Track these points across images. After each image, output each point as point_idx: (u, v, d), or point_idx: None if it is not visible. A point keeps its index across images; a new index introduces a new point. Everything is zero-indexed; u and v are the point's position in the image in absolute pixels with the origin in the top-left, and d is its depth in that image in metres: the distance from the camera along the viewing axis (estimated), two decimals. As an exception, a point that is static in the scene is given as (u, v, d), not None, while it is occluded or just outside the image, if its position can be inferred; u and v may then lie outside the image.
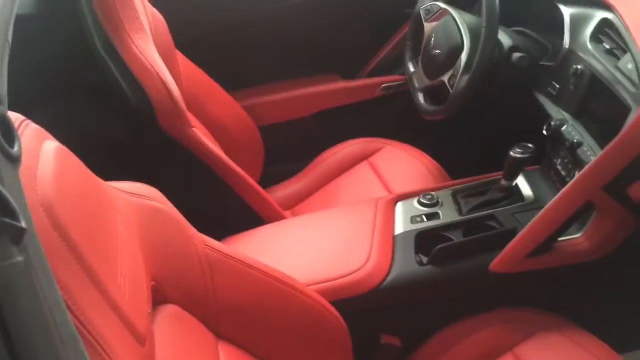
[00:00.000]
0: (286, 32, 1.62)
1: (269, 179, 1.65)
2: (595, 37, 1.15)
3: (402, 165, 1.54)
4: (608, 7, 1.13)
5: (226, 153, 1.37)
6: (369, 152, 1.62)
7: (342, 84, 1.71)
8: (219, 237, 1.09)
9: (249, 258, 0.83)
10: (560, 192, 0.99)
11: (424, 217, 1.15)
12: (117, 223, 0.55)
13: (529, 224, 1.01)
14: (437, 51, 1.32)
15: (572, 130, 1.14)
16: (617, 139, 0.93)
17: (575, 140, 1.10)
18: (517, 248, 1.02)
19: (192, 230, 0.77)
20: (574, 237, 1.06)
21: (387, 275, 1.02)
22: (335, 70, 1.73)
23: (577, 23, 1.19)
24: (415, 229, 1.12)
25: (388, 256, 1.05)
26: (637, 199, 0.98)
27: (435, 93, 1.37)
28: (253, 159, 1.60)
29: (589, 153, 1.08)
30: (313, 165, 1.66)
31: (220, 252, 0.80)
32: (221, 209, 1.19)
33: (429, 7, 1.39)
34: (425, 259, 1.05)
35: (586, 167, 0.97)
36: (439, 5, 1.37)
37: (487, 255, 1.05)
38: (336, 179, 1.61)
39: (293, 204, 1.63)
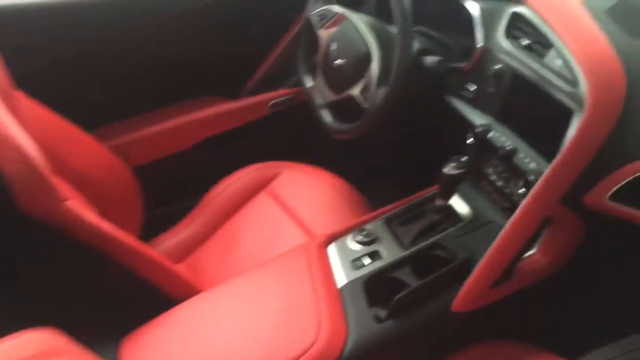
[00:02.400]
0: (150, 54, 1.36)
1: (153, 227, 1.39)
2: (510, 33, 1.06)
3: (308, 191, 1.37)
4: (515, -1, 1.04)
5: (98, 211, 1.09)
6: (267, 180, 1.42)
7: (225, 106, 1.48)
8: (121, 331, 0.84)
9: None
10: (516, 212, 0.88)
11: (365, 259, 0.99)
12: None
13: (488, 251, 0.89)
14: (340, 61, 1.16)
15: (501, 135, 1.04)
16: (568, 145, 0.85)
17: (509, 148, 1.00)
18: (479, 281, 0.90)
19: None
20: (530, 254, 0.97)
21: (345, 345, 0.84)
22: (215, 91, 1.50)
23: (489, 19, 1.09)
24: (360, 276, 0.95)
25: (340, 319, 0.87)
26: (593, 206, 0.91)
27: (344, 108, 1.21)
28: (130, 209, 1.32)
29: (527, 160, 0.99)
30: (204, 203, 1.42)
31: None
32: (119, 297, 0.92)
33: (322, 13, 1.22)
34: (382, 313, 0.89)
35: (540, 180, 0.87)
36: (333, 10, 1.21)
37: (448, 294, 0.92)
38: (234, 217, 1.39)
39: (187, 254, 1.38)
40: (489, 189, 1.10)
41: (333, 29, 1.21)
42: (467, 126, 1.11)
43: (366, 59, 1.11)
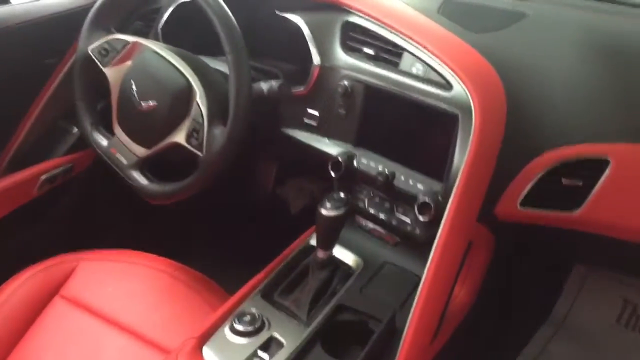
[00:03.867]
0: None
1: None
2: (347, 45, 0.92)
3: (124, 283, 1.02)
4: (340, 7, 0.91)
5: None
6: (57, 281, 1.02)
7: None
8: None
9: None
10: (437, 245, 0.72)
11: (261, 354, 0.71)
12: None
13: (417, 302, 0.71)
14: (148, 103, 0.87)
15: (368, 161, 0.88)
16: (471, 152, 0.73)
17: (387, 172, 0.85)
18: (417, 342, 0.71)
19: None
20: (447, 290, 0.82)
21: None
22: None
23: (320, 33, 0.93)
24: (266, 383, 0.67)
25: None
26: (506, 216, 0.80)
27: (164, 163, 0.92)
28: None
29: (411, 182, 0.84)
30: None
31: None
32: None
33: (106, 45, 0.92)
34: None
35: (452, 199, 0.73)
36: (124, 40, 0.91)
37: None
38: (20, 344, 0.96)
39: None
40: (370, 226, 0.92)
41: (126, 64, 0.91)
42: (320, 160, 0.92)
43: (186, 95, 0.86)
